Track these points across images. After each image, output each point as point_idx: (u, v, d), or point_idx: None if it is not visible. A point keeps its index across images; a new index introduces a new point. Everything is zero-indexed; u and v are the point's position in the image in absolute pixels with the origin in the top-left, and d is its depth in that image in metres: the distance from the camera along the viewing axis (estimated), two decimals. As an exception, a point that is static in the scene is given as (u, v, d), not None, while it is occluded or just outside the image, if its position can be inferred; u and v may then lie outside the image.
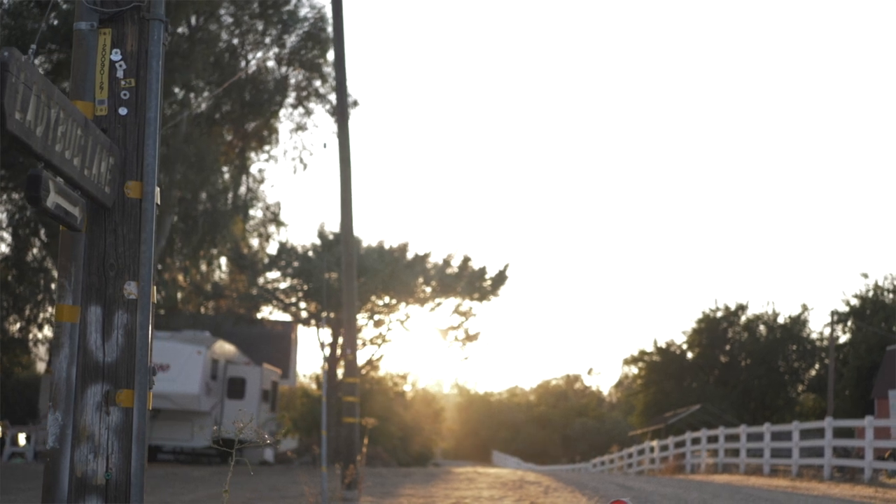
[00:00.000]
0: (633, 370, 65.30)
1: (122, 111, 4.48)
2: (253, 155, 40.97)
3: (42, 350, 37.44)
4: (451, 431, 77.96)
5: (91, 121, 4.28)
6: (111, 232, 4.41)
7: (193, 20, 34.99)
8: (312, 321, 33.34)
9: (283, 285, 34.06)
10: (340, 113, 19.44)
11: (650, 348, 60.49)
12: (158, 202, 4.47)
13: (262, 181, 41.23)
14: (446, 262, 34.61)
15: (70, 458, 4.30)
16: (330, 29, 33.46)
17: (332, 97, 36.72)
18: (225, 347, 31.31)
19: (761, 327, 58.05)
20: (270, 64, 38.80)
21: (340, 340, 30.34)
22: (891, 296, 50.63)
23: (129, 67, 4.50)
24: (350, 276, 18.76)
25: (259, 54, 38.28)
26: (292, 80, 39.24)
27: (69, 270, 4.39)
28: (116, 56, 4.49)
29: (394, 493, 18.54)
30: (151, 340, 4.36)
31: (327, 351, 31.35)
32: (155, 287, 4.44)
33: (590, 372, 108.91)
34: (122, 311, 4.37)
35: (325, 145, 40.42)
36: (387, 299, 33.45)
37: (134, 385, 4.29)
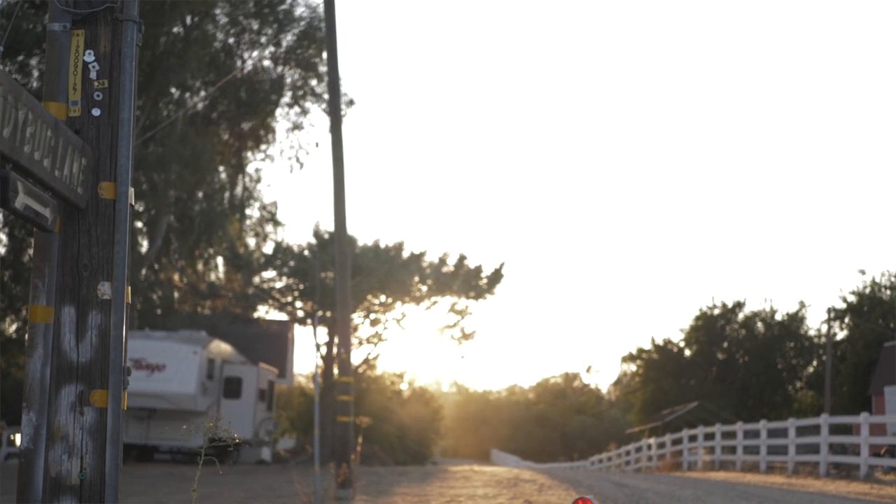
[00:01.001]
0: (632, 368, 65.35)
1: (96, 112, 4.48)
2: (249, 154, 40.99)
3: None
4: (450, 430, 78.01)
5: (63, 122, 4.29)
6: (85, 232, 4.42)
7: (189, 19, 34.97)
8: (308, 320, 33.37)
9: (278, 285, 34.09)
10: (333, 112, 19.47)
11: (648, 346, 60.54)
12: (132, 203, 4.47)
13: (258, 180, 41.26)
14: (442, 261, 34.64)
15: (44, 459, 4.32)
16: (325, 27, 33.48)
17: (328, 96, 36.72)
18: (221, 347, 31.30)
19: (759, 324, 58.10)
20: (266, 63, 38.81)
21: (336, 339, 30.33)
22: (888, 292, 50.67)
23: (102, 68, 4.51)
24: (343, 274, 18.77)
25: (255, 53, 38.28)
26: (288, 80, 39.24)
27: (43, 271, 4.40)
28: (90, 57, 4.49)
29: (389, 492, 18.55)
30: (126, 341, 4.37)
31: (324, 350, 31.37)
32: (130, 287, 4.45)
33: (588, 370, 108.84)
34: (96, 312, 4.38)
35: (317, 144, 40.36)
36: (383, 298, 33.48)
37: (108, 385, 4.30)
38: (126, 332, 4.35)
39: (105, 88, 4.48)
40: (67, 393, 4.31)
